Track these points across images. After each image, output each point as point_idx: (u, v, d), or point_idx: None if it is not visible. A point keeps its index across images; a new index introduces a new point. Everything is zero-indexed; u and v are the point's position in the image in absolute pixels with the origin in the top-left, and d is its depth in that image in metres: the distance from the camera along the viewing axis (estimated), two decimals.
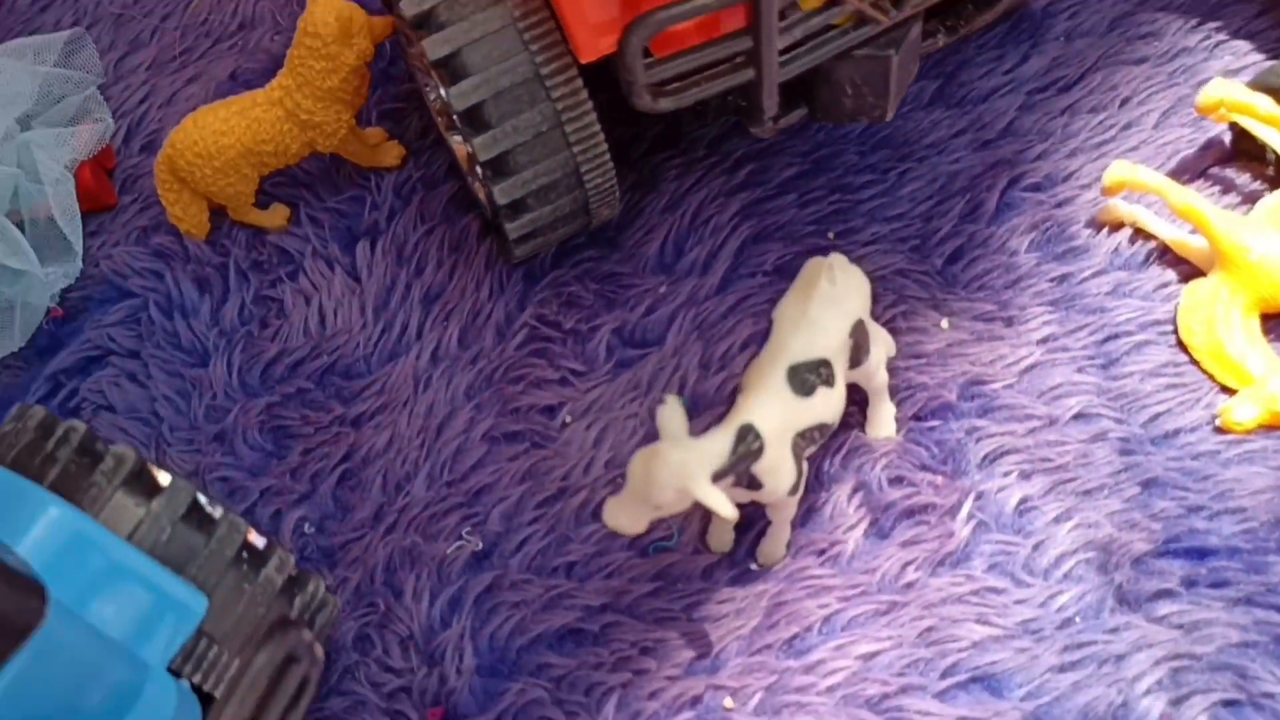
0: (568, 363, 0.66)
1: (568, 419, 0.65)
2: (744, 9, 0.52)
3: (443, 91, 0.61)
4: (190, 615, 0.46)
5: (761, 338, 0.65)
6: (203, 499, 0.51)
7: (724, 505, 0.51)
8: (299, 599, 0.54)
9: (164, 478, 0.51)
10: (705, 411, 0.64)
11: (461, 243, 0.71)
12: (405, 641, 0.60)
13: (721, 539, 0.60)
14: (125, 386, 0.69)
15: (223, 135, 0.67)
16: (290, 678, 0.46)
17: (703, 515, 0.61)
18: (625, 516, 0.53)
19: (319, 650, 0.53)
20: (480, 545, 0.62)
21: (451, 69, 0.59)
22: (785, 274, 0.67)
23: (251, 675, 0.44)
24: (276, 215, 0.72)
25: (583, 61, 0.58)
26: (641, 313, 0.67)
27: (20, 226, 0.72)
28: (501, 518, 0.63)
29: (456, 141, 0.71)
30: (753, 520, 0.60)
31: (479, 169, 0.62)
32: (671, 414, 0.53)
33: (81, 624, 0.40)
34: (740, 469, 0.53)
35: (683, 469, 0.51)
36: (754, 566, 0.60)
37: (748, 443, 0.53)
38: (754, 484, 0.54)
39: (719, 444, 0.52)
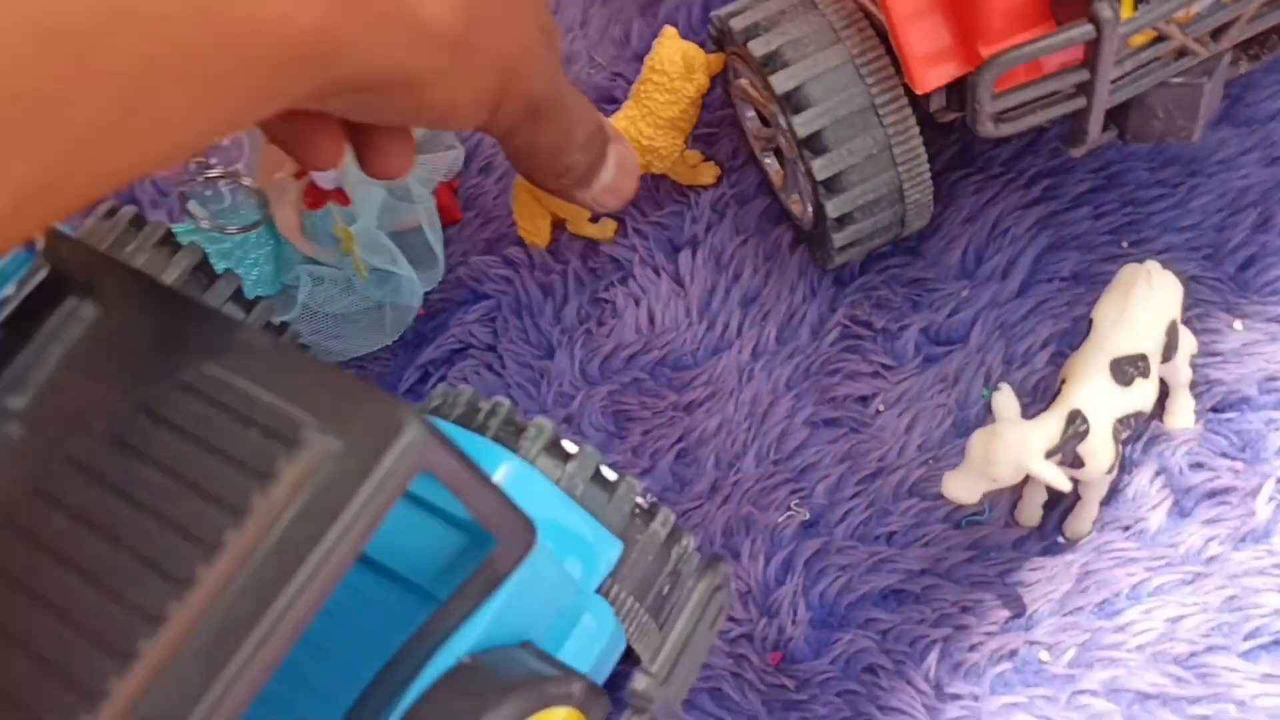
0: (878, 358, 0.74)
1: (881, 408, 0.73)
2: (1082, 47, 0.59)
3: (782, 120, 0.70)
4: (609, 555, 0.56)
5: (1060, 338, 0.72)
6: (603, 465, 0.60)
7: (1059, 479, 0.58)
8: (675, 550, 0.62)
9: (571, 446, 0.60)
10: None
11: (774, 252, 0.80)
12: (744, 596, 0.69)
13: (1031, 514, 0.67)
14: (484, 375, 0.80)
15: None
16: (714, 605, 0.54)
17: (1013, 491, 0.68)
18: (962, 488, 0.60)
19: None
20: (808, 515, 0.70)
21: (795, 101, 0.68)
22: (1082, 280, 0.73)
23: (693, 603, 0.53)
24: (606, 229, 0.82)
25: (918, 93, 0.66)
26: (946, 314, 0.74)
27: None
28: (825, 492, 0.71)
29: (769, 162, 0.79)
30: (1057, 499, 0.67)
31: (814, 186, 0.70)
32: (1006, 399, 0.61)
33: (548, 550, 0.49)
34: (1068, 449, 0.60)
35: (1021, 447, 0.58)
36: (1061, 540, 0.67)
37: (1076, 425, 0.60)
38: (1077, 463, 0.61)
39: (1051, 426, 0.59)
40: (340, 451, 0.38)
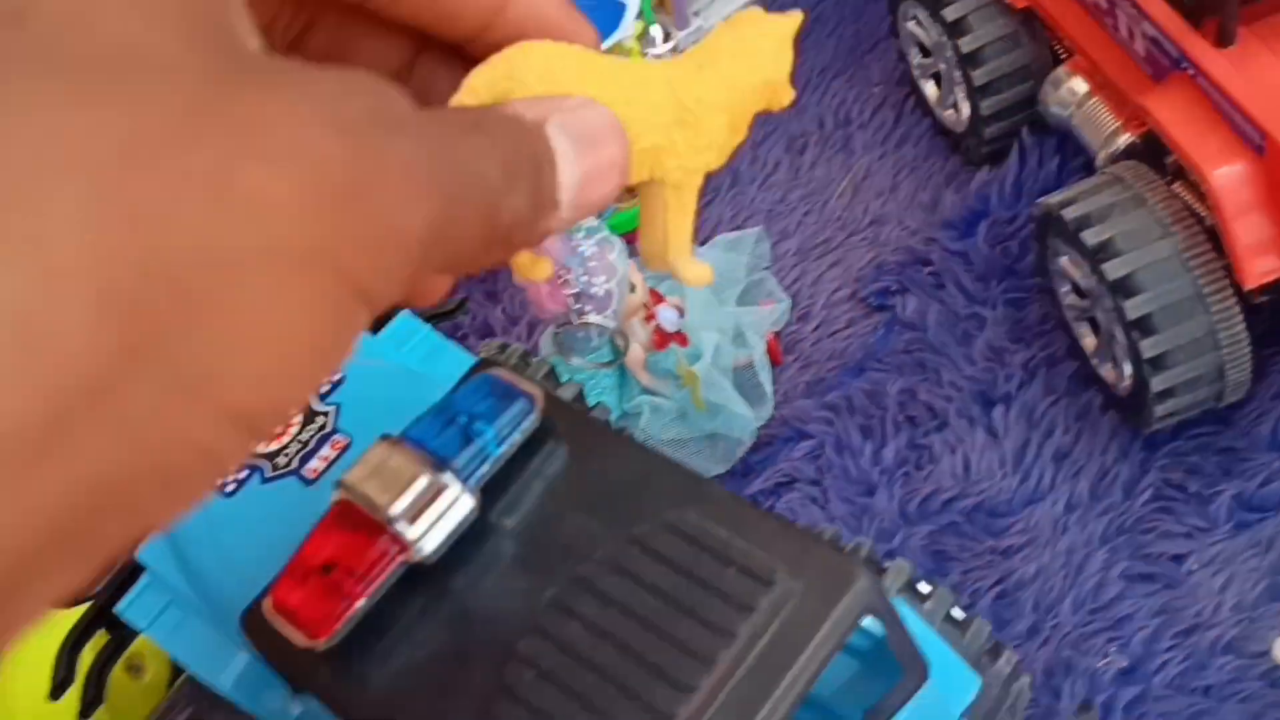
0: (1191, 520, 0.80)
1: (1194, 567, 0.79)
2: None
3: (1108, 301, 0.78)
4: (970, 691, 0.63)
5: None
6: (955, 608, 0.68)
7: None
8: (1014, 688, 0.69)
9: (924, 587, 0.68)
10: None
11: (1085, 413, 0.87)
12: None
13: None
14: (810, 507, 0.88)
15: None
16: None
17: None
18: None
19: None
20: (1125, 663, 0.76)
21: (1126, 287, 0.76)
22: None
23: None
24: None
25: (1245, 288, 0.73)
26: (1258, 483, 0.80)
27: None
28: (1142, 642, 0.77)
29: (1084, 331, 0.87)
30: None
31: (1138, 362, 0.77)
32: None
33: (932, 686, 0.57)
34: None
35: None
36: None
37: None
38: None
39: None
40: (803, 592, 0.47)
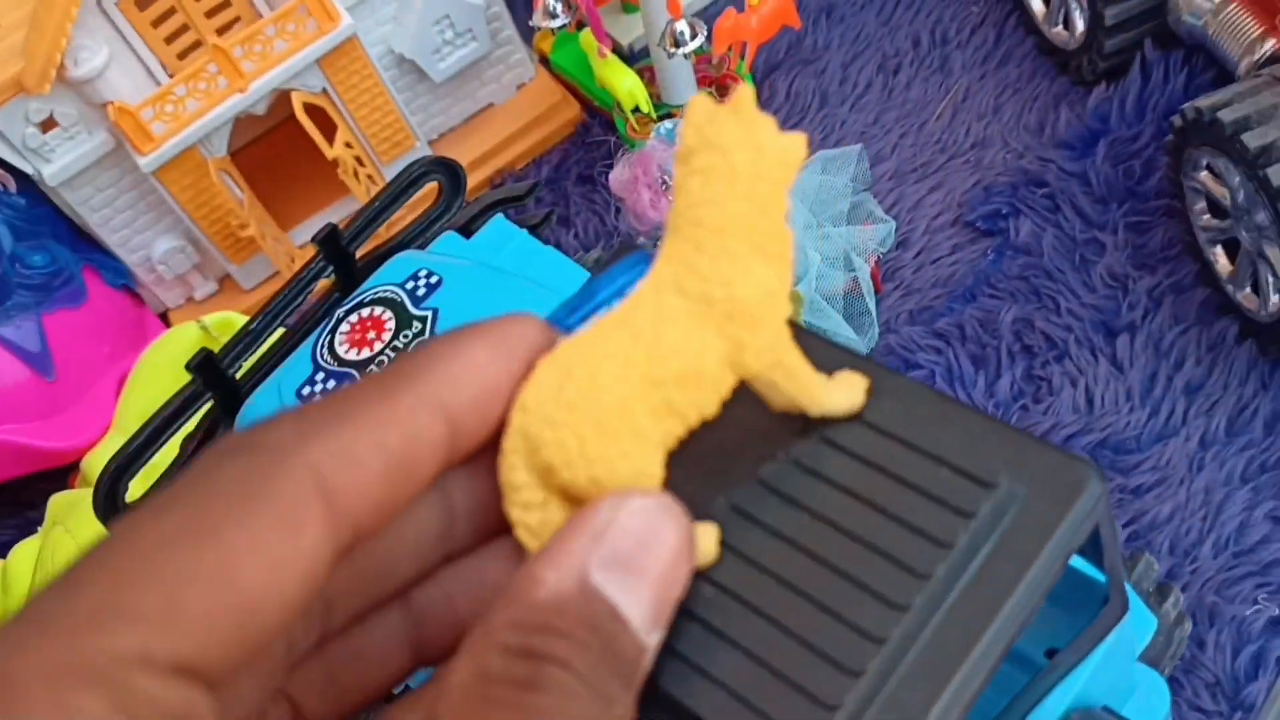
0: None
1: None
2: None
3: (1262, 214, 0.71)
4: (1147, 631, 0.56)
5: None
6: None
7: None
8: (1178, 632, 0.63)
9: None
10: None
11: (1218, 343, 0.80)
12: (1212, 687, 0.68)
13: None
14: None
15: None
16: None
17: None
18: None
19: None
20: (1277, 611, 0.70)
21: None
22: None
23: None
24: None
25: None
26: None
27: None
28: None
29: (1217, 255, 0.80)
30: None
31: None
32: None
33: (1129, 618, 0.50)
34: None
35: None
36: None
37: None
38: None
39: None
40: (1027, 497, 0.40)
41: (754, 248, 0.31)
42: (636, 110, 0.98)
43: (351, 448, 0.27)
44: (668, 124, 0.81)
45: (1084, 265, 0.85)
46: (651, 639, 0.29)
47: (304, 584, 0.26)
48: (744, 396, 0.46)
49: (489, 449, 0.31)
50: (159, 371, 0.91)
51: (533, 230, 0.93)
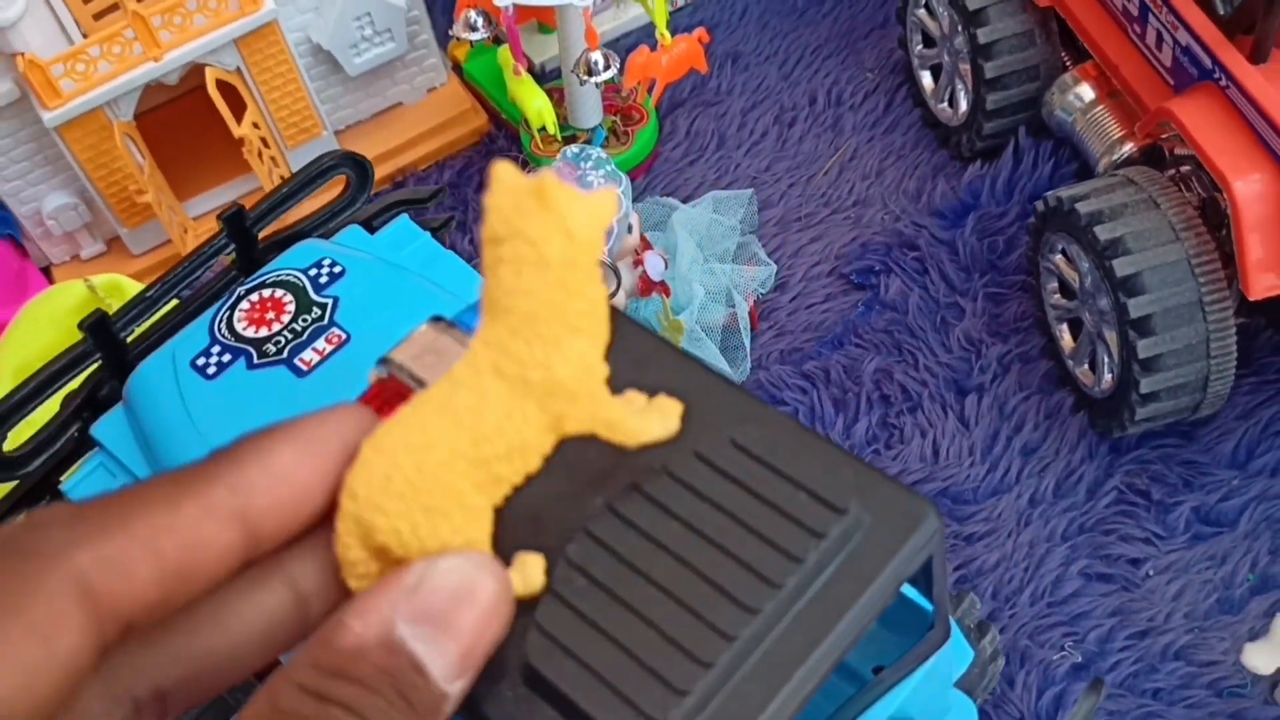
0: (1150, 526, 0.81)
1: (1151, 572, 0.80)
2: None
3: (1103, 300, 0.78)
4: (964, 661, 0.62)
5: None
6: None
7: None
8: (991, 668, 0.69)
9: None
10: (1272, 590, 0.77)
11: (1055, 412, 0.87)
12: None
13: None
14: None
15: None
16: None
17: (1273, 676, 0.74)
18: (1262, 660, 0.67)
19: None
20: (1080, 659, 0.77)
21: (1130, 286, 0.76)
22: None
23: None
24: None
25: (1250, 298, 0.74)
26: (1217, 498, 0.81)
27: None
28: (1096, 640, 0.77)
29: (1063, 332, 0.87)
30: None
31: (1128, 363, 0.78)
32: None
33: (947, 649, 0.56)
34: None
35: None
36: None
37: None
38: None
39: None
40: (871, 525, 0.45)
41: (568, 328, 0.33)
42: (543, 129, 1.01)
43: (121, 556, 0.27)
44: (574, 147, 0.85)
45: (944, 327, 0.92)
46: (454, 687, 0.30)
47: (59, 687, 0.26)
48: None
49: (325, 527, 0.32)
50: (39, 326, 0.90)
51: (433, 234, 0.96)
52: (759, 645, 0.43)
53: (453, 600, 0.30)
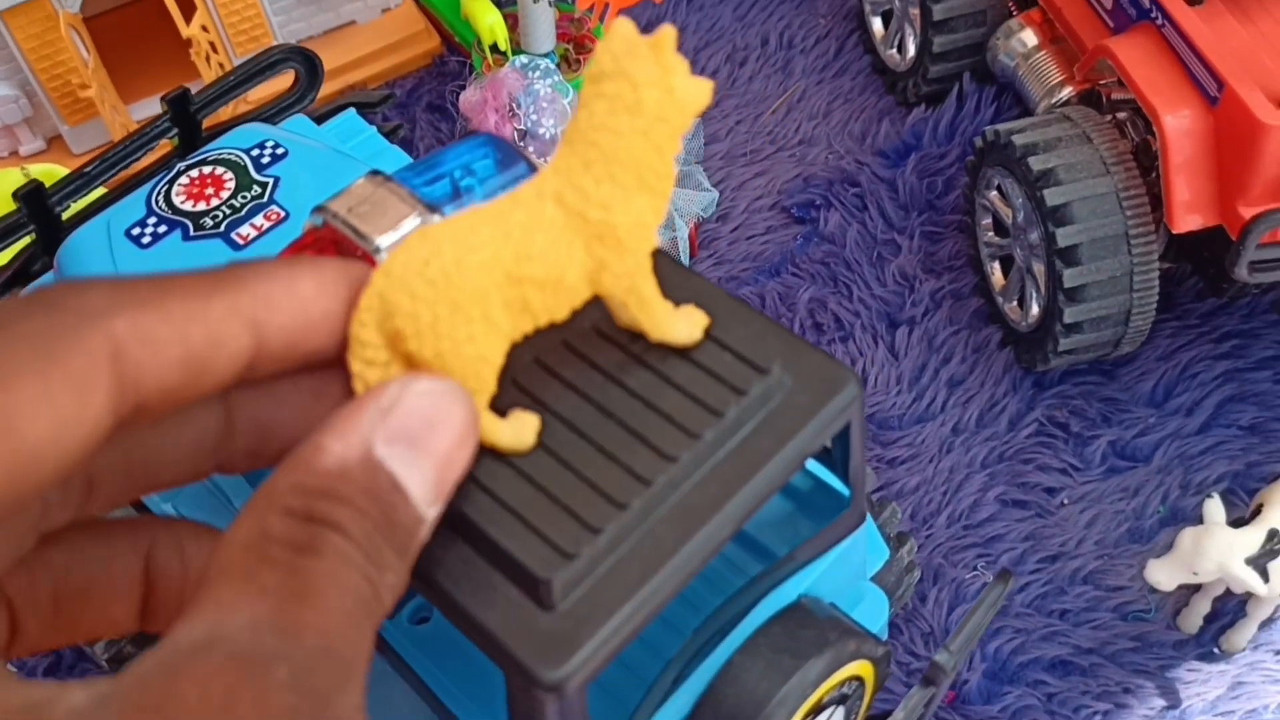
0: (1068, 458, 0.83)
1: (1065, 501, 0.82)
2: None
3: (1034, 233, 0.80)
4: (878, 560, 0.63)
5: (1233, 478, 0.81)
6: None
7: (1258, 583, 0.67)
8: (907, 578, 0.70)
9: None
10: (1181, 523, 0.79)
11: (983, 346, 0.89)
12: (926, 636, 0.76)
13: (1192, 622, 0.75)
14: None
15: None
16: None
17: (1178, 598, 0.76)
18: (1164, 575, 0.69)
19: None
20: (990, 579, 0.78)
21: (1060, 216, 0.78)
22: (1258, 432, 0.83)
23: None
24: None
25: (1174, 231, 0.76)
26: (1134, 434, 0.83)
27: None
28: (1009, 562, 0.79)
29: (994, 269, 0.89)
30: (1219, 613, 0.75)
31: (1053, 294, 0.80)
32: (1217, 506, 0.69)
33: (860, 535, 0.57)
34: (1261, 562, 0.68)
35: (1229, 548, 0.67)
36: (1216, 650, 0.75)
37: (1273, 542, 0.68)
38: (1264, 576, 0.69)
39: (1253, 537, 0.68)
40: (793, 388, 0.46)
41: (639, 180, 0.33)
42: (495, 48, 1.01)
43: (155, 332, 0.27)
44: (523, 57, 0.85)
45: (880, 261, 0.93)
46: (430, 512, 0.30)
47: (83, 445, 0.26)
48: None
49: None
50: None
51: (370, 106, 0.96)
52: (675, 491, 0.44)
53: (426, 423, 0.30)
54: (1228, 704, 0.72)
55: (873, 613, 0.60)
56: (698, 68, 1.09)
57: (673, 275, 0.51)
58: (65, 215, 0.75)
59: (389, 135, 0.87)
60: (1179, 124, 0.74)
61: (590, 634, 0.42)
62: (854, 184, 0.97)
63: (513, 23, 1.05)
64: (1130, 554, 0.79)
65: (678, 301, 0.50)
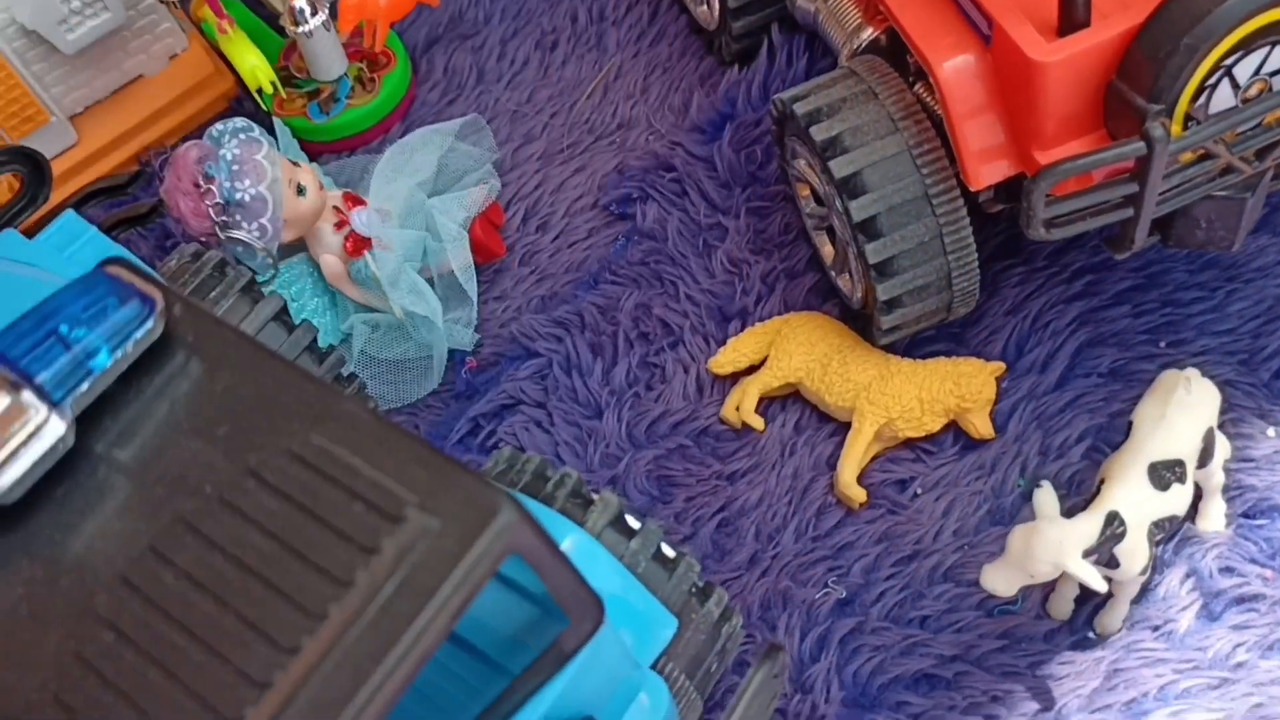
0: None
1: (919, 491, 0.75)
2: (1132, 160, 0.61)
3: (838, 203, 0.72)
4: (665, 633, 0.57)
5: (1096, 433, 0.74)
6: (664, 543, 0.62)
7: (1096, 579, 0.60)
8: (725, 629, 0.64)
9: (634, 522, 0.62)
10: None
11: None
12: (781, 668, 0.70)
13: (1063, 608, 0.69)
14: (534, 431, 0.82)
15: None
16: (769, 691, 0.56)
17: (1046, 584, 0.69)
18: (1001, 581, 0.62)
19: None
20: (844, 594, 0.72)
21: (852, 186, 0.70)
22: (1119, 377, 0.75)
23: (754, 688, 0.54)
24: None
25: (972, 189, 0.68)
26: None
27: (430, 282, 0.85)
28: (862, 571, 0.72)
29: (822, 241, 0.82)
30: (1088, 594, 0.68)
31: (866, 269, 0.72)
32: (1047, 497, 0.63)
33: (612, 629, 0.51)
34: (1105, 550, 0.61)
35: (1060, 546, 0.60)
36: (1091, 635, 0.68)
37: (1114, 527, 0.61)
38: (1112, 563, 0.63)
39: (1089, 526, 0.61)
40: (437, 530, 0.39)
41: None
42: (274, 87, 0.94)
43: None
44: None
45: (706, 250, 0.86)
46: None
47: None
48: (199, 424, 0.45)
49: None
50: None
51: (139, 220, 0.89)
52: (301, 689, 0.38)
53: None
54: (1105, 696, 0.66)
55: (651, 709, 0.54)
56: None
57: (313, 404, 0.45)
58: None
59: (143, 219, 0.81)
60: (956, 70, 0.66)
61: None
62: (669, 169, 0.90)
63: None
64: (992, 539, 0.72)
65: (308, 443, 0.45)
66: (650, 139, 0.94)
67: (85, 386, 0.43)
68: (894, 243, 0.70)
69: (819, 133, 0.71)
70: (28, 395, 0.42)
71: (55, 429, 0.42)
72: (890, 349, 0.78)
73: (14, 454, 0.41)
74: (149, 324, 0.45)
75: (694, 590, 0.63)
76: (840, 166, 0.70)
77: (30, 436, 0.42)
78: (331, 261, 0.81)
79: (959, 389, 0.73)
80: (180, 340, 0.46)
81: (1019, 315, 0.78)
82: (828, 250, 0.81)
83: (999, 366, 0.74)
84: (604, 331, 0.84)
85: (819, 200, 0.80)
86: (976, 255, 0.72)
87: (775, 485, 0.76)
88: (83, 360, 0.44)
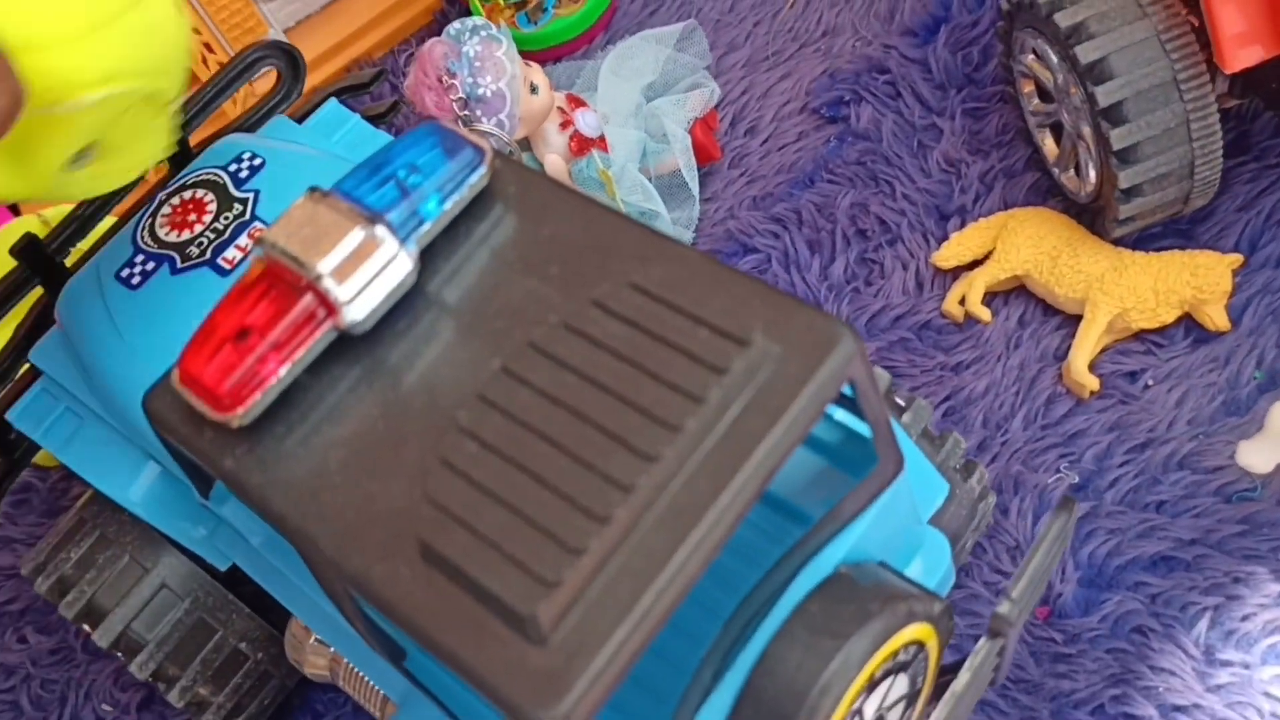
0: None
1: (1150, 383, 0.75)
2: None
3: (1075, 95, 0.73)
4: (938, 497, 0.59)
5: None
6: (930, 424, 0.63)
7: None
8: (981, 506, 0.66)
9: (901, 399, 0.64)
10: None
11: None
12: (1012, 550, 0.72)
13: None
14: None
15: None
16: (1063, 540, 0.56)
17: None
18: (1258, 457, 0.63)
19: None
20: (1076, 479, 0.73)
21: (1098, 72, 0.70)
22: None
23: (1052, 535, 0.54)
24: None
25: (1226, 72, 0.68)
26: None
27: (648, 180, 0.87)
28: (1094, 459, 0.73)
29: (1044, 138, 0.82)
30: None
31: (1105, 158, 0.72)
32: None
33: (906, 478, 0.52)
34: None
35: None
36: None
37: None
38: None
39: None
40: (781, 355, 0.41)
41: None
42: None
43: None
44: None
45: (921, 151, 0.87)
46: None
47: None
48: (529, 265, 0.47)
49: None
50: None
51: (379, 119, 0.92)
52: (662, 494, 0.40)
53: None
54: None
55: (932, 561, 0.56)
56: None
57: (642, 245, 0.47)
58: (69, 261, 0.74)
59: (381, 117, 0.84)
60: None
61: (584, 667, 0.39)
62: (883, 70, 0.90)
63: None
64: (1228, 429, 0.72)
65: (649, 276, 0.46)
66: (858, 45, 0.95)
67: (426, 226, 0.46)
68: (1140, 129, 0.71)
69: (1063, 19, 0.71)
70: (381, 230, 0.44)
71: (403, 264, 0.44)
72: (1119, 244, 0.78)
73: (369, 284, 0.44)
74: (480, 170, 0.47)
75: (957, 467, 0.64)
76: (1086, 52, 0.70)
77: (383, 268, 0.44)
78: (555, 161, 0.84)
79: (1196, 280, 0.73)
80: (502, 192, 0.48)
81: (1252, 211, 0.78)
82: (1051, 148, 0.81)
83: (1236, 259, 0.74)
84: (821, 228, 0.86)
85: (1044, 96, 0.80)
86: (1221, 144, 0.72)
87: (1002, 376, 0.77)
88: (420, 204, 0.46)
